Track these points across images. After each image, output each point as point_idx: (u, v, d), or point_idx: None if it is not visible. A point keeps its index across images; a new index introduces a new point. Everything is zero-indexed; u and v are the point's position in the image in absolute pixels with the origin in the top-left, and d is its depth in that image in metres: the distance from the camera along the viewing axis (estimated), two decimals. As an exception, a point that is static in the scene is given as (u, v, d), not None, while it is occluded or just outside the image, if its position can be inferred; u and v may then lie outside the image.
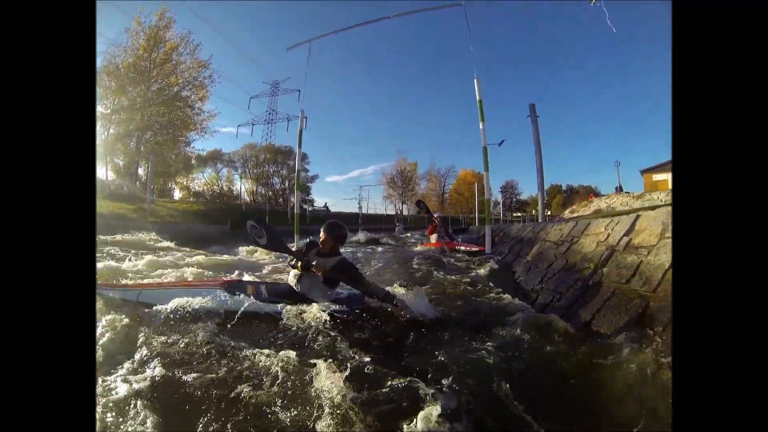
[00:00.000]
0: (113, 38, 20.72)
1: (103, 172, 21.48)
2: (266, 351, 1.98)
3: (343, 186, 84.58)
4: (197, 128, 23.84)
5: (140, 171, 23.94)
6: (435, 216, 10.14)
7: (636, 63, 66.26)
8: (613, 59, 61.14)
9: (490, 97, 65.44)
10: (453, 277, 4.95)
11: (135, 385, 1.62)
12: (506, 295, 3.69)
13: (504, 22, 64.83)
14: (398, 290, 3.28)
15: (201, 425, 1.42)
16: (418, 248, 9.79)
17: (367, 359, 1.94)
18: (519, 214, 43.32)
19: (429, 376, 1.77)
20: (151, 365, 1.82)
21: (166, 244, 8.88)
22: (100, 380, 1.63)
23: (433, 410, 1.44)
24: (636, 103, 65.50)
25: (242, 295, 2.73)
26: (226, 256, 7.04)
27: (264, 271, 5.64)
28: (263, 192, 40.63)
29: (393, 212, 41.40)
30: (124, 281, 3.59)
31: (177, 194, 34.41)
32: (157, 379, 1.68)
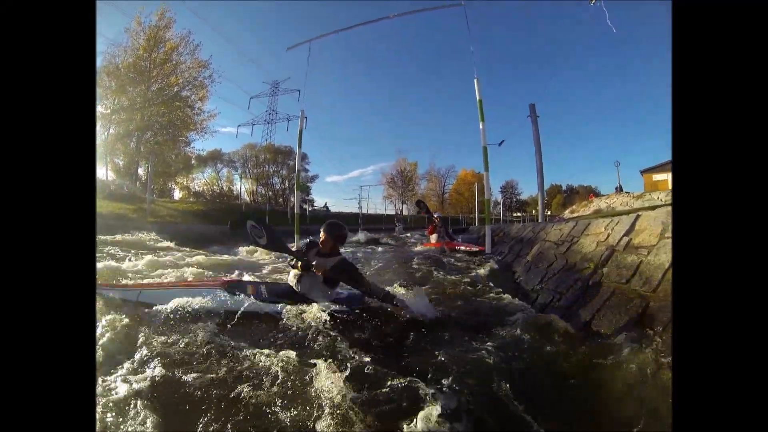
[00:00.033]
0: (113, 38, 20.77)
1: (102, 172, 21.53)
2: (266, 351, 1.98)
3: (343, 186, 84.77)
4: (197, 128, 23.88)
5: (140, 171, 23.97)
6: (435, 216, 10.14)
7: (636, 63, 66.37)
8: (613, 59, 61.20)
9: (490, 97, 65.58)
10: (453, 277, 4.95)
11: (135, 385, 1.62)
12: (506, 295, 3.69)
13: (504, 22, 64.89)
14: (398, 290, 3.28)
15: (200, 425, 1.42)
16: (418, 248, 9.79)
17: (367, 359, 1.94)
18: (519, 214, 43.33)
19: (429, 376, 1.77)
20: (151, 365, 1.82)
21: (166, 243, 8.87)
22: (100, 380, 1.63)
23: (434, 410, 1.44)
24: (636, 103, 65.63)
25: (242, 295, 2.73)
26: (226, 256, 7.04)
27: (264, 271, 5.64)
28: (263, 192, 40.66)
29: (393, 212, 41.47)
30: (124, 281, 3.59)
31: (177, 194, 34.45)
32: (156, 379, 1.68)
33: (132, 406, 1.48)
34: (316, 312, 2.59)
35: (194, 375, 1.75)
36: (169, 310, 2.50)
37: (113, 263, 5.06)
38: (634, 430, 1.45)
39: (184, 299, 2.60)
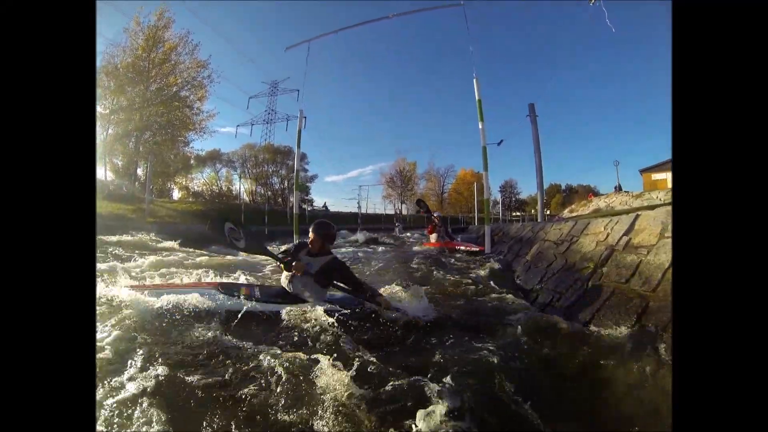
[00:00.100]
0: (112, 38, 20.69)
1: (101, 172, 21.49)
2: (265, 351, 1.98)
3: (343, 186, 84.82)
4: (196, 128, 23.80)
5: (139, 171, 23.93)
6: (435, 215, 10.15)
7: (635, 63, 66.44)
8: (612, 59, 61.31)
9: (490, 96, 65.82)
10: (453, 278, 4.96)
11: (135, 385, 1.62)
12: (507, 296, 3.70)
13: (503, 22, 64.97)
14: (397, 290, 3.28)
15: (199, 425, 1.42)
16: (418, 248, 9.80)
17: (366, 358, 1.94)
18: (518, 213, 43.43)
19: (430, 375, 1.78)
20: (150, 366, 1.81)
21: (170, 244, 8.82)
22: (99, 380, 1.63)
23: (436, 409, 1.44)
24: (634, 102, 65.80)
25: (236, 297, 2.74)
26: (229, 257, 7.03)
27: (266, 271, 5.64)
28: (262, 192, 40.58)
29: (392, 212, 41.46)
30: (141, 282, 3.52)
31: (176, 194, 34.39)
32: (156, 379, 1.67)
33: (132, 406, 1.48)
34: (311, 312, 2.59)
35: (192, 375, 1.75)
36: (164, 311, 2.50)
37: (121, 264, 5.05)
38: (634, 430, 1.45)
39: (179, 300, 2.60)
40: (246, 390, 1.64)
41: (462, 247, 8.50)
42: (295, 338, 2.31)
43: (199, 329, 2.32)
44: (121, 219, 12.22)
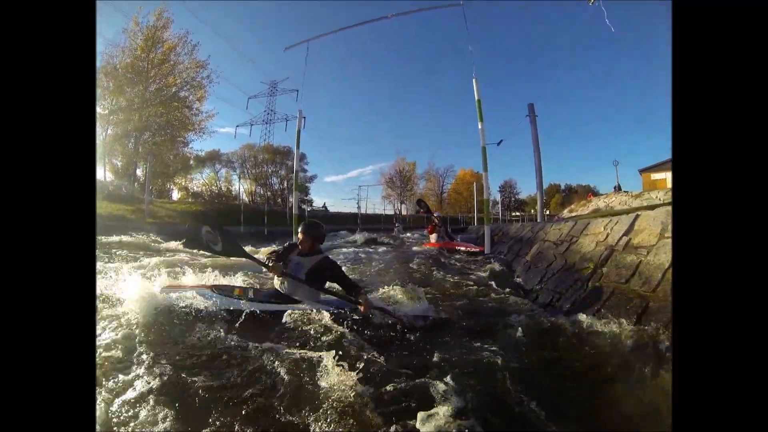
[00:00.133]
0: (111, 38, 20.72)
1: (101, 173, 21.46)
2: (264, 350, 1.99)
3: (342, 186, 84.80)
4: (195, 129, 23.87)
5: (138, 172, 23.93)
6: (435, 216, 10.14)
7: (635, 63, 66.49)
8: (612, 59, 61.31)
9: (489, 96, 65.78)
10: (453, 278, 4.96)
11: (135, 385, 1.62)
12: (508, 296, 3.70)
13: (503, 22, 64.98)
14: (397, 290, 3.29)
15: (199, 425, 1.42)
16: (417, 248, 9.80)
17: (368, 358, 1.94)
18: (518, 213, 43.44)
19: (432, 375, 1.78)
20: (150, 366, 1.82)
21: (171, 244, 8.80)
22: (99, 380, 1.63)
23: (440, 410, 1.44)
24: (634, 102, 65.95)
25: (230, 299, 2.74)
26: (233, 258, 7.00)
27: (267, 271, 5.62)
28: (262, 192, 40.57)
29: (392, 212, 41.44)
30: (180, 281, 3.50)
31: (175, 195, 34.39)
32: (156, 379, 1.67)
33: (132, 406, 1.48)
34: (305, 312, 2.60)
35: (190, 373, 1.75)
36: (161, 312, 2.51)
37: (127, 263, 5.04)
38: (634, 430, 1.46)
39: (175, 300, 2.62)
40: (245, 390, 1.64)
41: (462, 248, 8.50)
42: (293, 338, 2.31)
43: (196, 329, 2.33)
44: (121, 219, 12.22)
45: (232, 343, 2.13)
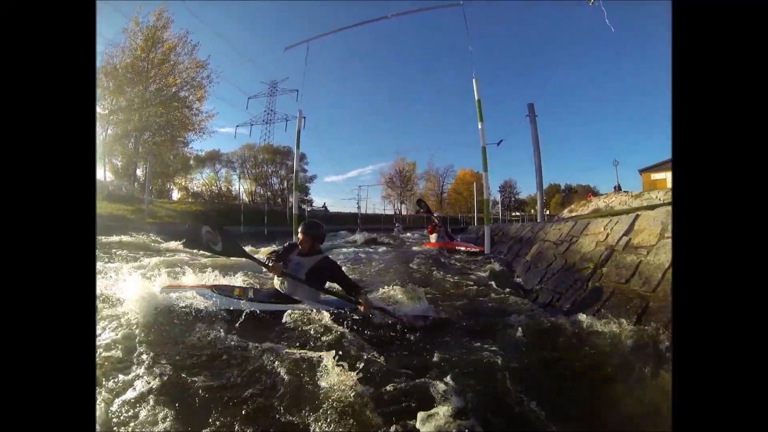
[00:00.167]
0: (111, 38, 20.70)
1: (101, 173, 21.46)
2: (264, 351, 1.99)
3: (342, 186, 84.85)
4: (195, 129, 23.85)
5: (138, 172, 23.93)
6: (435, 216, 10.14)
7: (635, 63, 66.63)
8: (612, 59, 61.42)
9: (489, 96, 65.74)
10: (453, 278, 4.96)
11: (135, 386, 1.62)
12: (508, 296, 3.70)
13: (503, 22, 64.94)
14: (396, 291, 3.29)
15: (199, 425, 1.42)
16: (417, 248, 9.80)
17: (368, 357, 1.94)
18: (517, 213, 43.45)
19: (433, 375, 1.78)
20: (150, 366, 1.82)
21: (171, 244, 8.79)
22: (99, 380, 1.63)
23: (440, 410, 1.44)
24: (634, 102, 65.84)
25: (230, 299, 2.74)
26: (233, 258, 7.00)
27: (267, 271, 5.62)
28: (262, 192, 40.57)
29: (392, 212, 41.45)
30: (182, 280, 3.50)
31: (175, 195, 34.39)
32: (156, 379, 1.67)
33: (132, 406, 1.48)
34: (306, 312, 2.60)
35: (189, 373, 1.75)
36: (161, 312, 2.51)
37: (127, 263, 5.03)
38: (634, 430, 1.46)
39: (174, 300, 2.62)
40: (246, 390, 1.64)
41: (462, 248, 8.50)
42: (293, 338, 2.31)
43: (196, 329, 2.33)
44: (121, 219, 12.21)
45: (232, 343, 2.13)
